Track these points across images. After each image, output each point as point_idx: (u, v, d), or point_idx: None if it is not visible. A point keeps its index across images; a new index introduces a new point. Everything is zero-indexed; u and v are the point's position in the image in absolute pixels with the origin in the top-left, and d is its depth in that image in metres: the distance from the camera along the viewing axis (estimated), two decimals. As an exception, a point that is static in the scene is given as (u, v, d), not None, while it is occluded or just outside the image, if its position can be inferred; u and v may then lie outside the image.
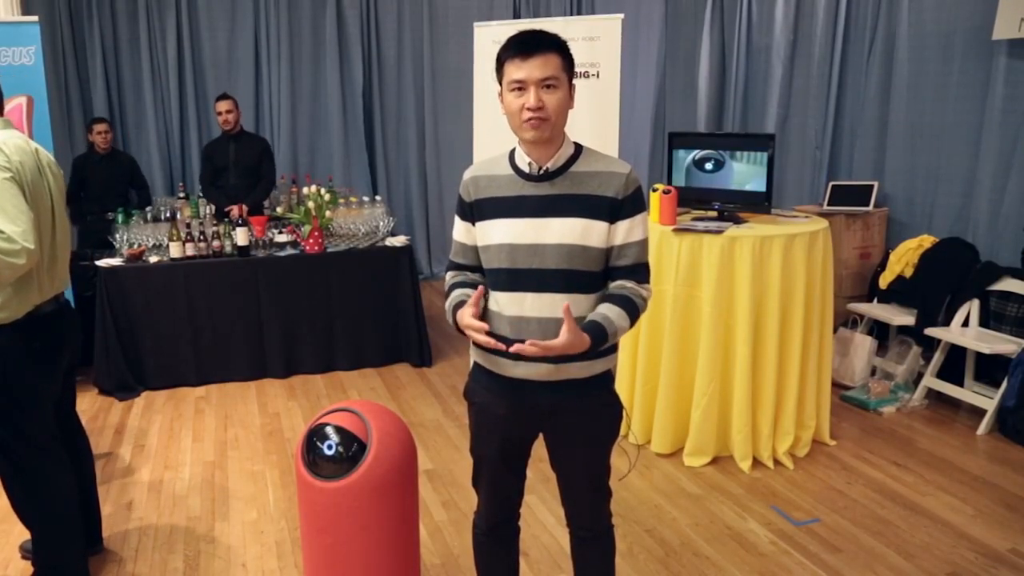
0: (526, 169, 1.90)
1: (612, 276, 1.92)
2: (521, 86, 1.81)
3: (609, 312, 1.85)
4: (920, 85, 5.13)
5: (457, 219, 2.02)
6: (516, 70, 1.80)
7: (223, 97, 5.56)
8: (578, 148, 1.93)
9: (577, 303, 1.86)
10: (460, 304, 1.91)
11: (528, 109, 1.80)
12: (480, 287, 1.88)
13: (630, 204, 1.88)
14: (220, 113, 5.50)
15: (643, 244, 1.92)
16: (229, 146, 5.62)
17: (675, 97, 7.51)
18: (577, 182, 1.88)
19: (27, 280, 2.44)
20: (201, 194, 5.85)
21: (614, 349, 2.00)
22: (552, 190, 1.88)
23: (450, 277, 2.05)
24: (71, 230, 5.79)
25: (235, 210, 5.42)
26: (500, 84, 1.88)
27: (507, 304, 1.89)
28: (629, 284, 1.89)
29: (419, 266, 7.25)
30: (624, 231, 1.88)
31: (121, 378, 4.62)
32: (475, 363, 2.05)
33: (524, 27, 1.90)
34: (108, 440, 4.05)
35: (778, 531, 3.10)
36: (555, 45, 1.83)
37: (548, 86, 1.80)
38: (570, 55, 1.87)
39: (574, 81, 1.89)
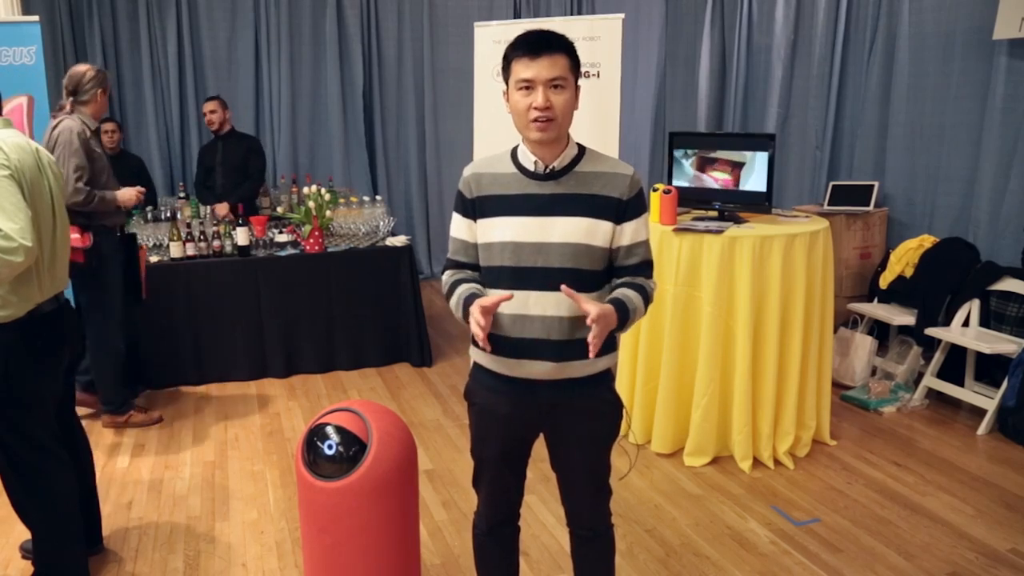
0: (531, 167, 1.90)
1: (619, 274, 1.96)
2: (529, 85, 1.82)
3: (627, 293, 1.89)
4: (920, 85, 5.13)
5: (457, 216, 2.00)
6: (524, 69, 1.81)
7: (209, 99, 5.68)
8: (581, 148, 1.94)
9: (617, 292, 1.91)
10: (474, 296, 1.89)
11: (535, 109, 1.81)
12: (511, 293, 1.85)
13: (635, 205, 1.92)
14: (205, 114, 5.62)
15: (648, 243, 1.98)
16: (217, 146, 5.71)
17: (675, 97, 7.51)
18: (582, 182, 1.89)
19: (28, 278, 2.45)
20: (198, 195, 5.87)
21: (614, 347, 2.01)
22: (558, 189, 1.89)
23: (450, 275, 2.03)
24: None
25: (219, 208, 5.43)
26: (506, 83, 1.88)
27: (509, 301, 1.90)
28: (639, 280, 1.95)
29: (419, 266, 7.25)
30: (631, 232, 1.92)
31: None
32: (475, 363, 2.05)
33: (525, 27, 1.90)
34: (108, 440, 4.05)
35: (778, 531, 3.10)
36: (563, 46, 1.84)
37: (556, 86, 1.82)
38: (577, 57, 1.88)
39: (579, 82, 1.90)
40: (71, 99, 3.83)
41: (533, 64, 1.80)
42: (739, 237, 3.52)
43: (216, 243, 4.80)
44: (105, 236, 3.89)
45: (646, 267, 1.97)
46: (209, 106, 5.59)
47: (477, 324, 1.80)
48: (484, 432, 2.05)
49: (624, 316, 1.85)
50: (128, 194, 3.96)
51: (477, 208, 1.95)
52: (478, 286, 1.96)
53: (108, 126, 5.71)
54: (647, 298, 1.93)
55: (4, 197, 2.29)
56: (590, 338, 1.77)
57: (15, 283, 2.42)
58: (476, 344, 1.99)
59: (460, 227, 2.00)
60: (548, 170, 1.89)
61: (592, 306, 1.77)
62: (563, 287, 1.80)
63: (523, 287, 1.88)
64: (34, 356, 2.52)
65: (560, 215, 1.87)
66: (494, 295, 1.85)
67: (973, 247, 4.53)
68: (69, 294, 4.42)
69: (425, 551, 2.97)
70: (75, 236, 3.67)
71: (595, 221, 1.87)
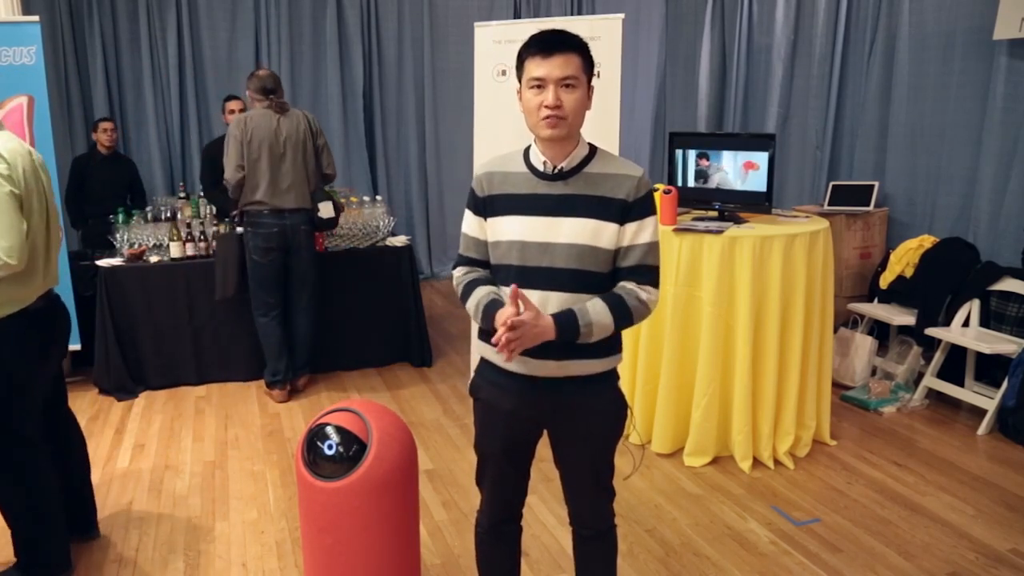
0: (540, 168, 1.91)
1: (618, 276, 1.92)
2: (541, 84, 1.82)
3: (590, 305, 1.85)
4: (921, 85, 5.13)
5: (469, 214, 2.01)
6: (537, 68, 1.82)
7: (234, 97, 5.57)
8: (592, 149, 1.94)
9: (585, 302, 1.88)
10: (495, 302, 1.88)
11: (546, 107, 1.81)
12: (515, 286, 1.82)
13: (639, 207, 1.88)
14: (233, 112, 5.47)
15: (649, 247, 1.90)
16: None
17: (675, 97, 7.52)
18: (591, 183, 1.89)
19: (32, 271, 2.52)
20: (202, 194, 5.84)
21: (619, 348, 2.00)
22: (566, 189, 1.89)
23: (463, 273, 2.02)
24: (75, 233, 5.79)
25: None
26: (519, 81, 1.90)
27: (515, 299, 1.89)
28: (629, 285, 1.89)
29: (419, 266, 7.25)
30: (631, 232, 1.88)
31: (121, 378, 4.62)
32: (482, 359, 2.05)
33: (525, 27, 1.91)
34: (108, 440, 4.05)
35: (778, 531, 3.10)
36: (577, 46, 1.85)
37: (567, 85, 1.82)
38: (590, 57, 1.89)
39: (592, 83, 1.91)
40: (272, 96, 4.28)
41: (545, 63, 1.81)
42: (739, 237, 3.52)
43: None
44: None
45: (642, 271, 1.89)
46: (238, 104, 5.48)
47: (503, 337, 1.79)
48: (487, 428, 2.06)
49: (568, 327, 1.82)
50: None
51: (488, 207, 1.96)
52: (495, 288, 1.94)
53: (106, 124, 5.67)
54: (623, 309, 1.85)
55: (2, 213, 2.34)
56: (494, 339, 1.80)
57: (20, 276, 2.46)
58: (483, 338, 2.00)
59: (472, 224, 2.00)
60: (556, 171, 1.89)
61: (527, 313, 1.78)
62: (513, 286, 1.80)
63: (529, 286, 1.87)
64: (32, 349, 2.57)
65: (567, 216, 1.87)
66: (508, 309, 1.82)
67: (973, 247, 4.53)
68: (69, 295, 4.46)
69: (425, 551, 2.97)
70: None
71: (601, 223, 1.87)
